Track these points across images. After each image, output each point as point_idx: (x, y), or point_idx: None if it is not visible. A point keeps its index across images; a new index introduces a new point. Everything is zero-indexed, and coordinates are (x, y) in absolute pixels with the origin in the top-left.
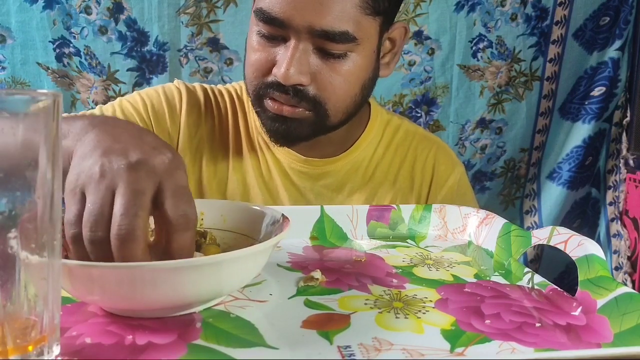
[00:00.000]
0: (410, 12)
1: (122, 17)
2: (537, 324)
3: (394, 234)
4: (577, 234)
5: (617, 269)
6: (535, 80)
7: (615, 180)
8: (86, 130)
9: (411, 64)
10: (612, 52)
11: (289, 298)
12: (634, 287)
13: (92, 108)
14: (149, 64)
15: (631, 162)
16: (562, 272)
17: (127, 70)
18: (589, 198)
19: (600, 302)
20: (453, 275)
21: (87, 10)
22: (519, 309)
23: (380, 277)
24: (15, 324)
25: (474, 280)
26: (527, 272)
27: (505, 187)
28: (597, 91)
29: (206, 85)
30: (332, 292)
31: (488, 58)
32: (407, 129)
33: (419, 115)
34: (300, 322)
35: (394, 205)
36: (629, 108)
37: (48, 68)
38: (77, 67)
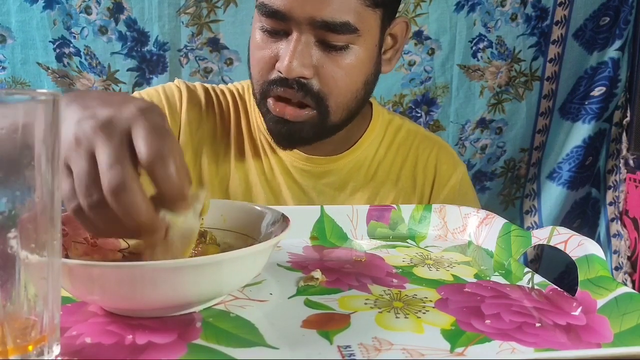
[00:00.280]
0: (410, 12)
1: (122, 17)
2: (537, 324)
3: (394, 234)
4: (577, 234)
5: (617, 269)
6: (535, 80)
7: (615, 180)
8: (64, 112)
9: (411, 64)
10: (612, 52)
11: (289, 298)
12: (634, 287)
13: None
14: (149, 64)
15: (631, 162)
16: (562, 272)
17: (127, 70)
18: (589, 198)
19: (600, 302)
20: (453, 275)
21: (87, 10)
22: (519, 309)
23: (380, 277)
24: (15, 323)
25: (474, 280)
26: (527, 272)
27: (505, 187)
28: (597, 91)
29: (207, 85)
30: (332, 292)
31: (488, 58)
32: (408, 129)
33: (419, 115)
34: (301, 321)
35: (394, 205)
36: (629, 108)
37: (48, 68)
38: (77, 67)
